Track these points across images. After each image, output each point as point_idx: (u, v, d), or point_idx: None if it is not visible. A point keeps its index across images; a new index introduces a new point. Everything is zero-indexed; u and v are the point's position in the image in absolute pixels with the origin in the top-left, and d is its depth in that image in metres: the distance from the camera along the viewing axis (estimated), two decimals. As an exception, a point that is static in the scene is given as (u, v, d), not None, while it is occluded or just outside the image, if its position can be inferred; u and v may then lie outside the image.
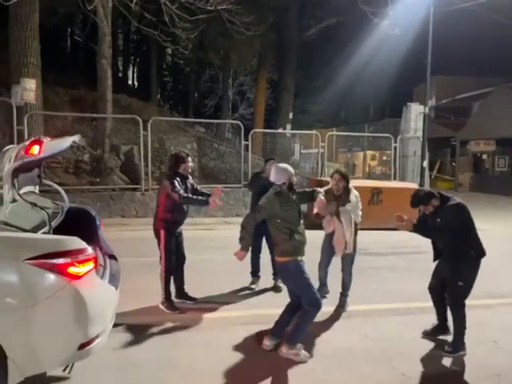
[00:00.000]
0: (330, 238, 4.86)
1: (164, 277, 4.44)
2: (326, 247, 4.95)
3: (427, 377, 3.47)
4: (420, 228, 3.97)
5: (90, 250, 2.66)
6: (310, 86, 24.75)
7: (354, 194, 4.78)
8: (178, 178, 4.32)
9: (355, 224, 4.70)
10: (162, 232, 4.40)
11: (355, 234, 4.74)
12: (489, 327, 4.45)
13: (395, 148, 12.59)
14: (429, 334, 4.15)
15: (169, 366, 3.36)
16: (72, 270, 2.52)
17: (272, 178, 3.67)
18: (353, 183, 10.93)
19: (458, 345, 3.84)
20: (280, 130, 17.03)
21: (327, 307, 4.80)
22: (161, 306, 4.48)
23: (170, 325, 4.15)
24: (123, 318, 4.17)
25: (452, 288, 3.87)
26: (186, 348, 3.72)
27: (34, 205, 2.66)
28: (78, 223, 3.53)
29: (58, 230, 2.98)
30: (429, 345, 4.01)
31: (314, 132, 12.26)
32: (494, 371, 3.55)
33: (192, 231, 8.15)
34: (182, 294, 4.68)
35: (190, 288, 4.82)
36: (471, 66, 27.19)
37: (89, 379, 3.10)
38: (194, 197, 4.34)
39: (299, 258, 3.57)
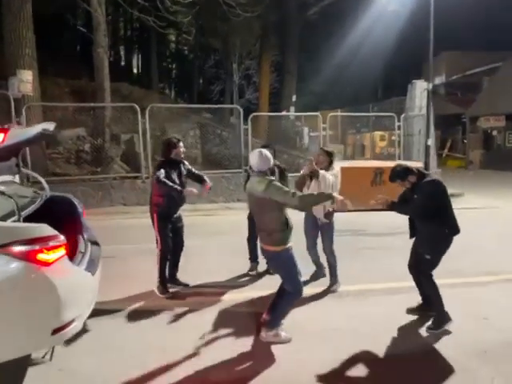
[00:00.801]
0: (309, 218, 4.88)
1: (160, 260, 4.48)
2: (308, 229, 4.98)
3: (411, 354, 3.45)
4: (397, 205, 3.93)
5: (60, 236, 2.67)
6: (316, 67, 24.37)
7: (334, 173, 4.73)
8: (168, 164, 4.34)
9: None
10: (155, 216, 4.45)
11: (332, 215, 4.74)
12: (482, 304, 4.40)
13: (399, 127, 12.36)
14: (413, 311, 4.14)
15: (150, 348, 3.41)
16: (41, 256, 2.54)
17: (257, 166, 3.49)
18: (354, 164, 10.86)
19: (440, 320, 3.83)
20: (283, 113, 16.91)
21: (318, 288, 4.84)
22: (155, 290, 4.53)
23: (159, 309, 4.19)
24: (115, 303, 4.28)
25: (420, 262, 3.89)
26: (169, 331, 3.76)
27: (2, 193, 2.68)
28: (60, 211, 3.57)
29: (38, 218, 3.01)
30: (418, 323, 3.98)
31: (315, 114, 12.09)
32: (482, 348, 3.51)
33: (193, 217, 8.21)
34: (173, 279, 4.72)
35: (190, 273, 4.86)
36: (483, 40, 26.46)
37: (70, 363, 3.16)
38: (169, 184, 4.28)
39: (290, 245, 3.55)
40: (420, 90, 13.61)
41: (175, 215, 4.55)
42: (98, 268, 3.24)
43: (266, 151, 3.55)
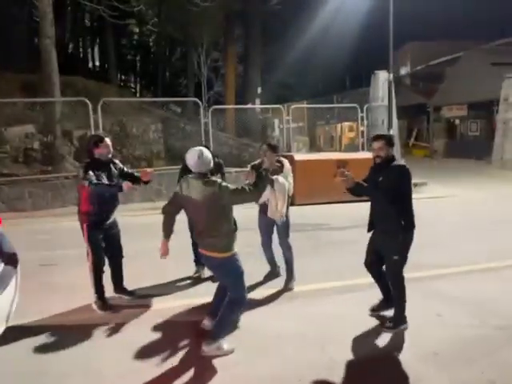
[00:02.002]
0: (263, 215, 4.64)
1: (93, 274, 4.06)
2: (262, 225, 4.76)
3: (356, 360, 3.24)
4: (359, 186, 3.66)
5: None
6: (284, 59, 24.13)
7: (287, 165, 4.56)
8: (94, 165, 3.90)
9: (288, 195, 4.49)
10: (85, 226, 4.01)
11: (287, 206, 4.53)
12: (436, 299, 4.28)
13: (362, 118, 12.29)
14: (375, 310, 3.96)
15: (76, 371, 3.08)
16: None
17: (196, 167, 3.15)
18: (316, 156, 10.70)
19: (399, 319, 3.69)
20: (247, 105, 16.62)
21: (270, 289, 4.61)
22: (93, 306, 4.11)
23: (95, 324, 3.82)
24: (48, 318, 3.92)
25: (388, 263, 3.70)
26: (95, 349, 3.42)
27: None
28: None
29: None
30: (370, 323, 3.80)
31: (278, 106, 11.87)
32: (432, 349, 3.35)
33: (152, 216, 7.81)
34: (119, 288, 4.36)
35: (132, 280, 4.51)
36: (446, 30, 26.83)
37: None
38: (106, 183, 3.90)
39: (236, 250, 3.28)
40: (383, 80, 13.57)
41: (108, 222, 4.11)
42: (10, 286, 2.87)
43: (206, 151, 3.21)
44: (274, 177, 4.33)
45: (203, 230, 3.24)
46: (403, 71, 32.13)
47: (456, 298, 4.31)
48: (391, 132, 11.95)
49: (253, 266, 5.10)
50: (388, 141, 3.65)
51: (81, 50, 22.22)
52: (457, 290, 4.52)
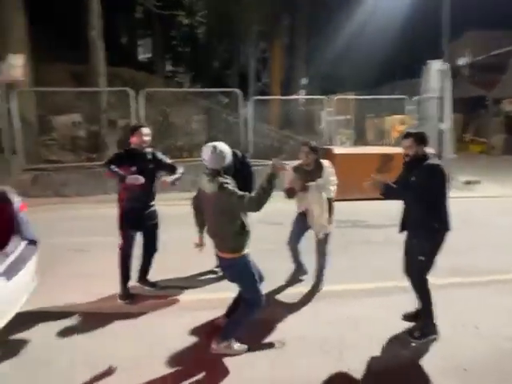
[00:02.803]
0: (301, 217, 4.41)
1: (120, 261, 4.06)
2: (296, 227, 4.50)
3: (373, 370, 3.00)
4: (390, 188, 3.40)
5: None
6: (332, 49, 23.46)
7: (328, 169, 4.28)
8: (126, 156, 3.90)
9: (329, 200, 4.21)
10: (118, 212, 4.04)
11: (329, 212, 4.23)
12: (474, 308, 3.93)
13: (410, 110, 11.66)
14: (408, 318, 3.67)
15: (82, 361, 3.07)
16: None
17: (209, 163, 3.01)
18: (359, 150, 10.25)
19: (427, 328, 3.41)
20: (288, 97, 16.29)
21: (298, 288, 4.43)
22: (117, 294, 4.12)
23: (113, 313, 3.82)
24: (70, 305, 3.97)
25: (413, 264, 3.46)
26: (114, 339, 3.42)
27: None
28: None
29: None
30: (398, 330, 3.52)
31: (320, 97, 11.51)
32: (462, 363, 3.05)
33: (185, 206, 7.81)
34: (143, 279, 4.35)
35: (158, 270, 4.47)
36: (509, 19, 24.88)
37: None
38: (115, 169, 3.83)
39: (248, 251, 3.12)
40: (436, 71, 12.78)
41: (145, 212, 4.09)
42: (25, 271, 2.90)
43: (222, 146, 3.04)
44: (311, 183, 4.12)
45: (212, 228, 3.14)
46: (461, 62, 30.29)
47: (496, 308, 3.93)
48: (442, 126, 11.25)
49: (278, 263, 4.97)
50: (418, 138, 3.36)
51: (132, 41, 22.80)
52: (498, 299, 4.12)
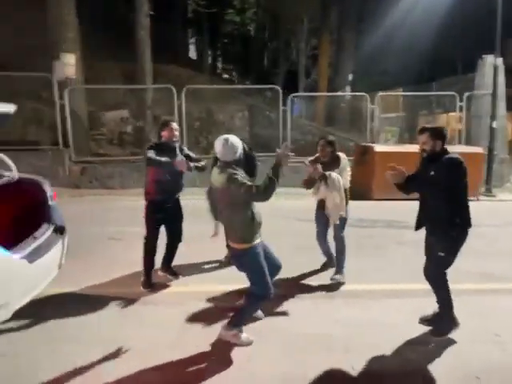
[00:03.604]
0: (320, 208, 4.63)
1: (144, 250, 4.28)
2: (318, 215, 4.70)
3: (377, 373, 2.96)
4: (409, 179, 3.34)
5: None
6: (381, 44, 22.75)
7: (344, 160, 4.51)
8: (158, 148, 4.07)
9: (345, 190, 4.42)
10: (145, 204, 4.23)
11: (346, 200, 4.44)
12: (498, 315, 3.75)
13: (461, 107, 11.12)
14: (425, 321, 3.57)
15: (102, 340, 3.28)
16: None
17: (221, 155, 3.12)
18: (400, 148, 9.93)
19: (443, 325, 3.34)
20: (332, 93, 16.03)
21: (314, 284, 4.45)
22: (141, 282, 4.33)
23: (132, 299, 4.03)
24: (92, 288, 4.24)
25: (431, 260, 3.38)
26: (129, 323, 3.61)
27: None
28: (27, 194, 3.53)
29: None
30: (412, 333, 3.43)
31: (361, 94, 11.29)
32: (475, 371, 2.93)
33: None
34: (166, 268, 4.53)
35: (180, 261, 4.66)
36: None
37: (20, 349, 3.15)
38: (157, 158, 3.96)
39: (258, 242, 3.19)
40: (491, 66, 12.07)
41: (169, 204, 4.25)
42: (49, 255, 3.15)
43: (233, 139, 3.15)
44: (327, 173, 4.33)
45: (224, 219, 3.25)
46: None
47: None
48: (494, 124, 10.62)
49: (303, 258, 5.00)
50: (434, 133, 3.27)
51: (180, 40, 23.39)
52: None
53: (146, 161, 4.09)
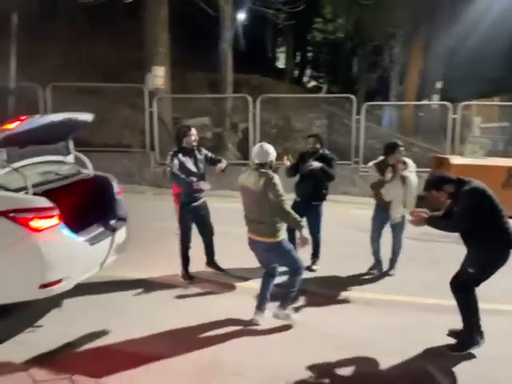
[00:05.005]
0: (380, 208, 4.86)
1: (180, 248, 4.71)
2: (377, 220, 4.93)
3: (386, 379, 3.02)
4: (434, 220, 3.44)
5: (54, 209, 3.20)
6: (480, 48, 21.15)
7: (410, 163, 4.79)
8: (180, 154, 4.49)
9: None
10: (177, 206, 4.64)
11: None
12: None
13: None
14: (454, 334, 3.54)
15: (141, 319, 3.78)
16: (34, 223, 3.09)
17: (258, 158, 3.64)
18: (482, 162, 9.31)
19: (466, 341, 3.32)
20: (424, 102, 15.40)
21: (351, 293, 4.55)
22: (179, 273, 4.79)
23: (173, 285, 4.57)
24: (141, 273, 4.81)
25: (460, 274, 3.37)
26: (167, 307, 4.11)
27: (16, 170, 3.32)
28: (100, 188, 4.19)
29: (73, 192, 3.68)
30: (433, 345, 3.43)
31: (442, 103, 10.81)
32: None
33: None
34: (210, 263, 4.94)
35: (232, 258, 5.03)
36: None
37: (75, 313, 3.81)
38: (181, 176, 4.39)
39: (284, 237, 3.70)
40: None
41: (195, 204, 4.64)
42: (107, 241, 3.73)
43: (267, 146, 3.69)
44: (404, 173, 4.61)
45: (257, 216, 3.60)
46: None
47: None
48: None
49: (353, 266, 5.07)
50: (437, 183, 3.41)
51: (263, 49, 24.12)
52: None
53: (169, 173, 4.51)
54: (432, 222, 3.44)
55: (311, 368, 3.11)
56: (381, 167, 4.76)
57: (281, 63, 26.68)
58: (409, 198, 4.63)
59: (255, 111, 10.21)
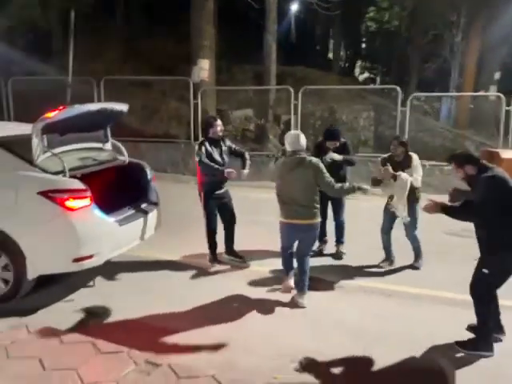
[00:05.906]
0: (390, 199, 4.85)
1: (207, 234, 4.88)
2: (387, 213, 4.91)
3: (396, 368, 3.05)
4: (452, 209, 3.34)
5: (87, 191, 3.52)
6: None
7: (416, 161, 4.74)
8: (207, 143, 4.65)
9: (416, 189, 4.67)
10: (202, 194, 4.81)
11: (415, 200, 4.71)
12: None
13: None
14: (473, 328, 3.46)
15: (165, 295, 4.09)
16: (69, 203, 3.44)
17: (295, 146, 3.91)
18: (505, 154, 8.80)
19: (479, 344, 3.23)
20: (481, 93, 14.59)
21: (370, 282, 4.57)
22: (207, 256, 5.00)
23: (199, 267, 4.85)
24: (172, 255, 5.10)
25: (475, 275, 3.28)
26: (191, 285, 4.43)
27: (55, 155, 3.66)
28: (134, 174, 4.52)
29: (109, 177, 4.02)
30: (448, 340, 3.38)
31: (497, 94, 10.21)
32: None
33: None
34: (230, 251, 5.06)
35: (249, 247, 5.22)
36: None
37: (104, 289, 4.16)
38: (211, 164, 4.53)
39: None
40: None
41: (219, 192, 4.77)
42: (136, 223, 4.04)
43: (301, 136, 3.99)
44: (398, 173, 4.56)
45: (301, 200, 3.84)
46: None
47: None
48: None
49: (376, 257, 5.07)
50: (461, 160, 3.26)
51: (309, 41, 23.77)
52: None
53: (198, 161, 4.64)
54: (449, 209, 3.31)
55: (319, 350, 3.20)
56: (390, 162, 4.70)
57: (330, 54, 26.29)
58: (399, 198, 4.57)
59: (297, 103, 10.24)
